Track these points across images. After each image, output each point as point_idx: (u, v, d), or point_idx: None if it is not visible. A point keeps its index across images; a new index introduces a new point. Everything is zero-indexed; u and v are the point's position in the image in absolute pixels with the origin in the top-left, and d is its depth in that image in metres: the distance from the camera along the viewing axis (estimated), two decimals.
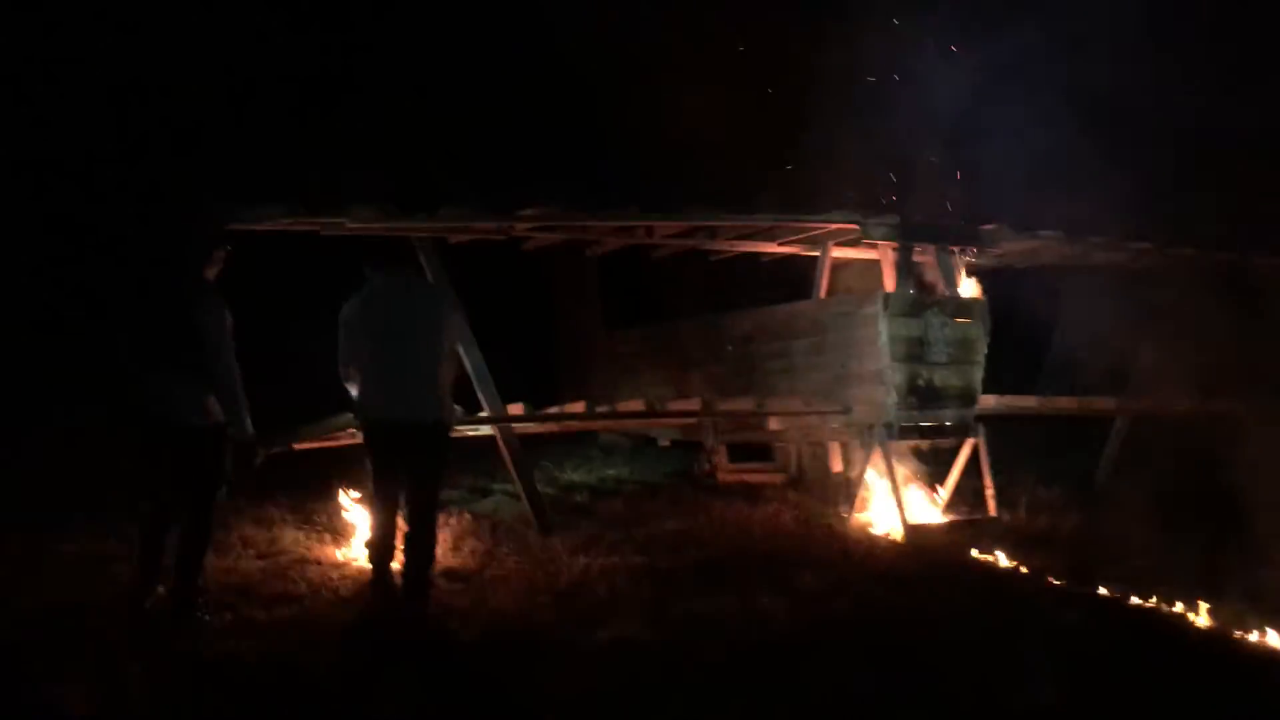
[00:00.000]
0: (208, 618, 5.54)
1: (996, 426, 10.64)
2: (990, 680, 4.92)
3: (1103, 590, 6.59)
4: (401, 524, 6.07)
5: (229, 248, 5.81)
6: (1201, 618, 6.12)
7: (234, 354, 5.61)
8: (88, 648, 4.93)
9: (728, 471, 9.80)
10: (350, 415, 6.48)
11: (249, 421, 5.66)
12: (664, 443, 10.67)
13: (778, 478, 9.72)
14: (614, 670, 5.03)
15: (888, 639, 5.50)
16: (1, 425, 8.45)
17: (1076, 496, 9.22)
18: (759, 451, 10.33)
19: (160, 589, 5.66)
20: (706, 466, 9.88)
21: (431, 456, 5.85)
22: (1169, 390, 10.21)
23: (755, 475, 9.73)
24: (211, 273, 5.79)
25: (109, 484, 7.27)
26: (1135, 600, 6.43)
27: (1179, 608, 6.27)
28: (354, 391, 5.95)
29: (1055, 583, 6.78)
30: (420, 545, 5.81)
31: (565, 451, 11.09)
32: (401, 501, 6.05)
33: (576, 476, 9.87)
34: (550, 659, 5.17)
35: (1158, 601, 6.37)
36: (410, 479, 5.85)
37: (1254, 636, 5.80)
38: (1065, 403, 9.69)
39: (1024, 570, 7.08)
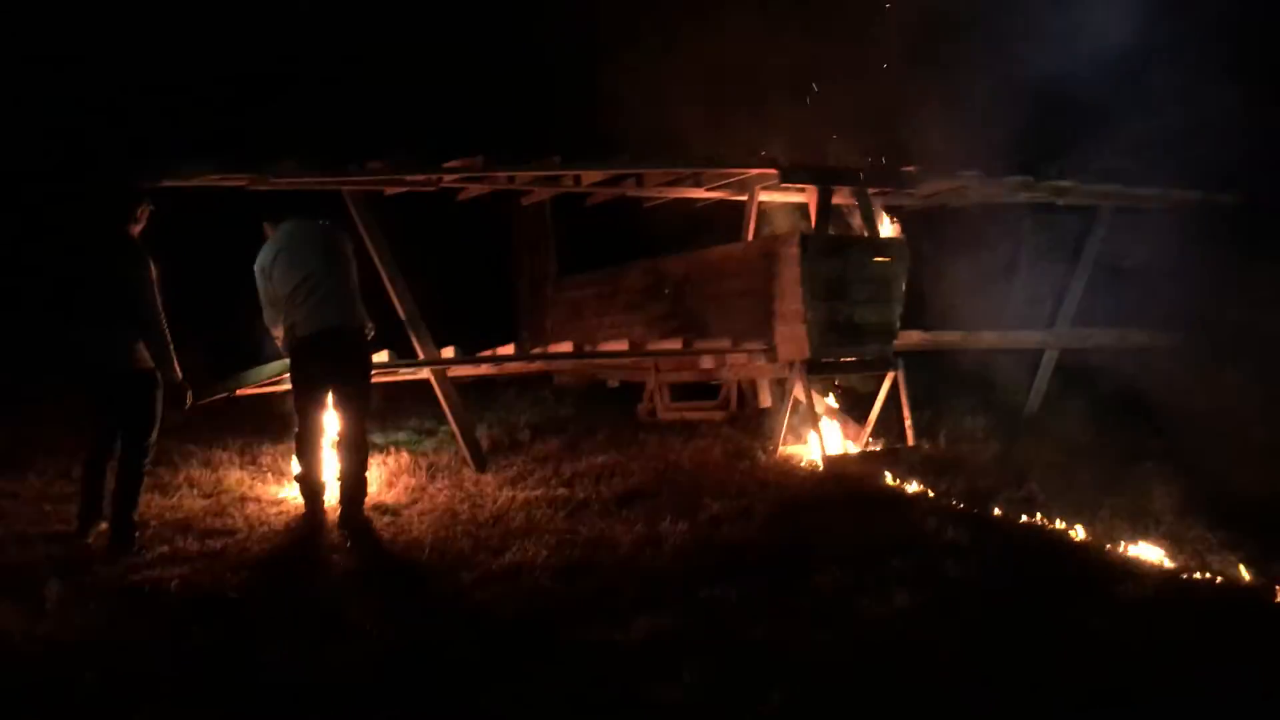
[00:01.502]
0: (142, 550, 5.97)
1: (940, 361, 11.10)
2: (853, 590, 5.31)
3: (996, 511, 6.96)
4: (333, 455, 6.64)
5: (150, 205, 6.21)
6: (1078, 533, 6.49)
7: (159, 304, 6.05)
8: (25, 576, 5.35)
9: (669, 410, 10.19)
10: (284, 361, 6.94)
11: (177, 366, 6.10)
12: (613, 384, 11.08)
13: (717, 415, 10.09)
14: (507, 589, 5.44)
15: (768, 556, 5.89)
16: None
17: (1002, 427, 9.57)
18: (708, 390, 10.72)
19: (103, 525, 6.14)
20: (648, 405, 10.25)
21: (356, 365, 6.62)
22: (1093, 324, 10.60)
23: (695, 413, 10.12)
24: (135, 229, 6.19)
25: (65, 429, 7.74)
26: (1023, 519, 6.79)
27: (1060, 525, 6.63)
28: (276, 332, 6.56)
29: (953, 505, 7.15)
30: (352, 466, 6.40)
31: (520, 394, 11.54)
32: (331, 433, 6.64)
33: (525, 417, 10.26)
34: (449, 580, 5.59)
35: (1041, 520, 6.73)
36: (338, 394, 6.59)
37: (1122, 548, 6.17)
38: (989, 336, 10.02)
39: (930, 494, 7.45)
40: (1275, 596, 5.40)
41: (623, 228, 11.63)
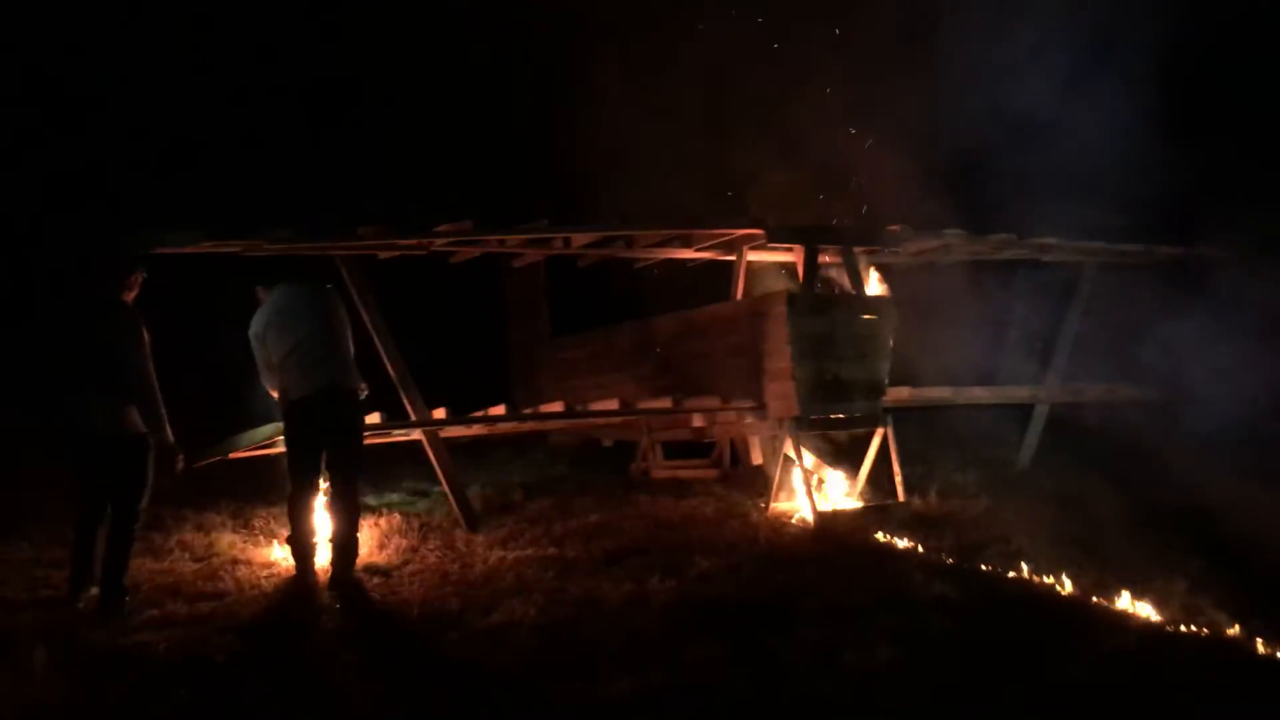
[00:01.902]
0: (132, 614, 5.99)
1: (931, 417, 11.17)
2: (835, 644, 5.33)
3: (984, 566, 6.99)
4: (324, 513, 6.72)
5: (143, 272, 6.33)
6: (1065, 587, 6.51)
7: (151, 369, 6.15)
8: (11, 643, 5.37)
9: (662, 468, 10.22)
10: (278, 424, 7.02)
11: (169, 430, 6.18)
12: (607, 443, 11.13)
13: (711, 473, 10.13)
14: (494, 648, 5.47)
15: (755, 612, 5.92)
16: None
17: (993, 482, 9.60)
18: (701, 449, 10.77)
19: (93, 590, 6.18)
20: (641, 464, 10.29)
21: (349, 426, 6.73)
22: (1086, 378, 10.67)
23: (688, 471, 10.16)
24: (129, 295, 6.31)
25: (58, 495, 7.78)
26: (1011, 574, 6.82)
27: (1048, 579, 6.66)
28: (274, 392, 6.65)
29: (942, 560, 7.17)
30: (343, 527, 6.47)
31: (514, 454, 11.59)
32: (323, 491, 6.73)
33: (518, 477, 10.30)
34: (436, 640, 5.62)
35: (1029, 574, 6.76)
36: (331, 455, 6.66)
37: (1111, 601, 6.20)
38: (979, 392, 10.08)
39: (919, 550, 7.48)
40: (1257, 649, 5.41)
41: (615, 288, 11.77)
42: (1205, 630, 5.66)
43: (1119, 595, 6.25)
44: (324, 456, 6.71)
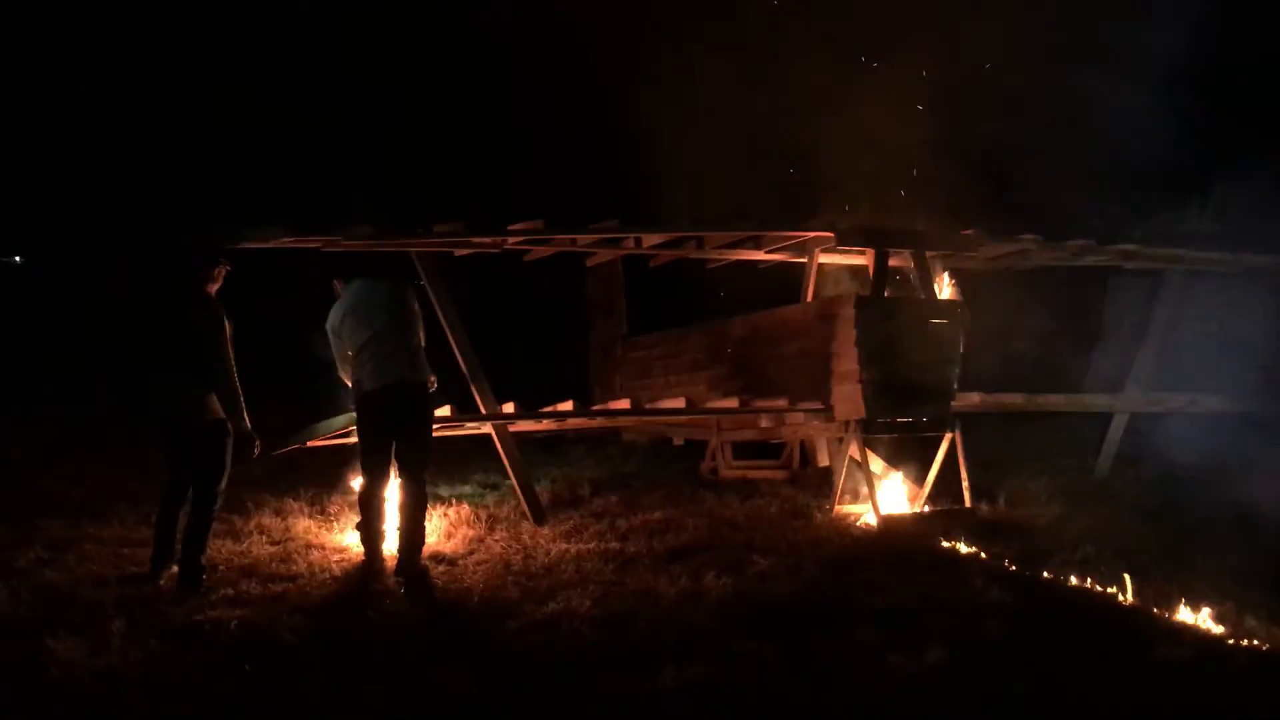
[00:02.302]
0: (208, 592, 6.27)
1: (1010, 424, 11.07)
2: (885, 646, 5.35)
3: (1045, 574, 6.92)
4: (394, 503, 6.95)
5: (226, 265, 6.62)
6: (1127, 597, 6.42)
7: (231, 358, 6.46)
8: (95, 614, 5.67)
9: (731, 468, 10.28)
10: (352, 414, 7.27)
11: (246, 417, 6.48)
12: (678, 442, 11.23)
13: (779, 474, 10.16)
14: (549, 637, 5.61)
15: (809, 612, 5.96)
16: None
17: (1066, 491, 9.46)
18: (772, 450, 10.81)
19: (174, 568, 6.49)
20: (710, 463, 10.37)
21: (418, 418, 6.95)
22: (1170, 387, 10.46)
23: (757, 471, 10.21)
24: (213, 288, 6.61)
25: (147, 477, 8.16)
26: (1072, 582, 6.74)
27: (1110, 589, 6.57)
28: (349, 381, 6.89)
29: (1004, 566, 7.12)
30: (411, 516, 6.69)
31: (588, 452, 11.76)
32: (393, 479, 6.95)
33: (588, 473, 10.45)
34: (494, 627, 5.78)
35: (1092, 583, 6.67)
36: (400, 446, 6.89)
37: (1172, 612, 6.10)
38: (1054, 399, 9.96)
39: (982, 556, 7.43)
40: None
41: (692, 289, 11.88)
42: (1265, 645, 5.54)
43: (1180, 607, 6.14)
44: (394, 447, 6.94)
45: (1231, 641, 5.64)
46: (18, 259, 14.05)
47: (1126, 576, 6.65)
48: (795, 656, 5.29)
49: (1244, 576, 6.86)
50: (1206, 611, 6.07)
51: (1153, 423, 10.52)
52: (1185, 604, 6.18)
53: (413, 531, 6.82)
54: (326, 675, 5.06)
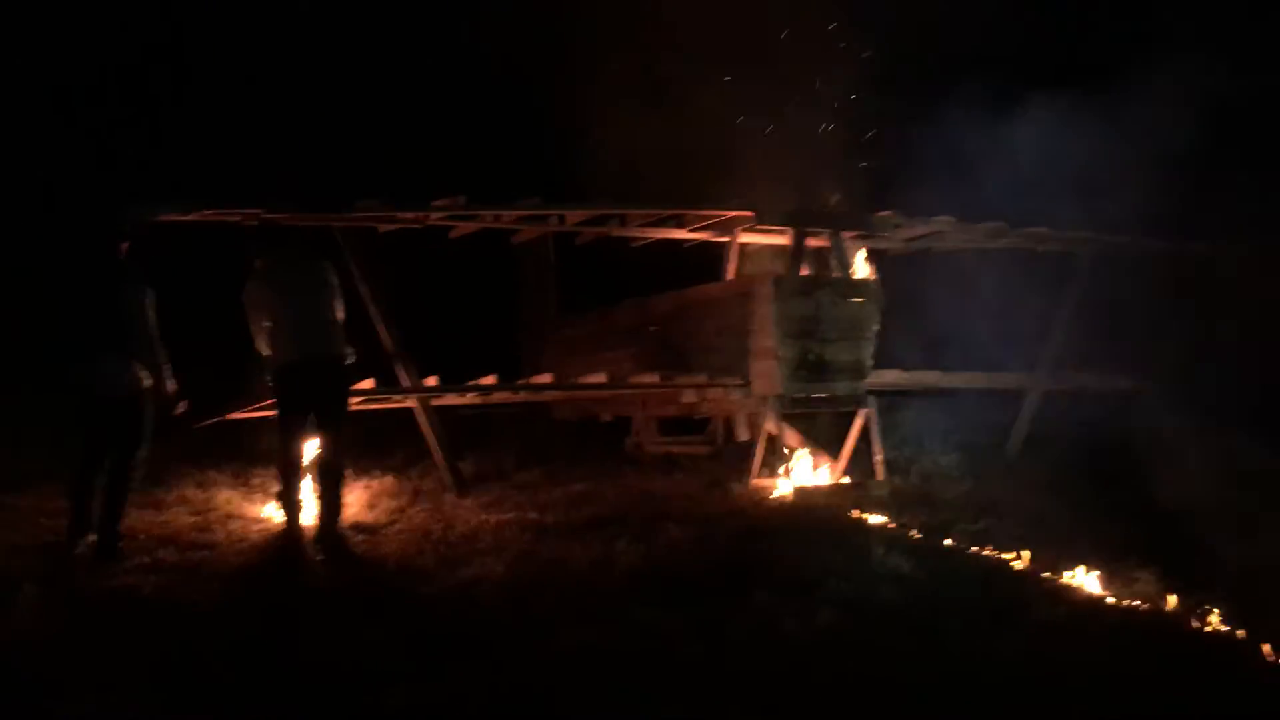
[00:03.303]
0: (125, 560, 6.35)
1: (927, 402, 11.33)
2: (781, 612, 5.56)
3: (947, 541, 7.19)
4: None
5: (133, 232, 6.72)
6: (1019, 562, 6.71)
7: (153, 321, 6.58)
8: (5, 581, 5.74)
9: (655, 443, 10.48)
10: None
11: (170, 379, 6.64)
12: (606, 419, 11.40)
13: (702, 449, 10.36)
14: (459, 603, 5.76)
15: (713, 579, 6.15)
16: None
17: (977, 466, 9.76)
18: (698, 425, 11.00)
19: (90, 537, 6.55)
20: (635, 439, 10.55)
21: (335, 387, 7.07)
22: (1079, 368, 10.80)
23: (680, 447, 10.41)
24: (125, 249, 6.68)
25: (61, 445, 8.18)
26: (970, 550, 7.02)
27: (1008, 555, 6.85)
28: (265, 351, 6.98)
29: (908, 535, 7.38)
30: (329, 485, 6.80)
31: (518, 431, 11.87)
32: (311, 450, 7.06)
33: (514, 448, 10.55)
34: (407, 593, 5.92)
35: (989, 550, 6.96)
36: (318, 415, 6.99)
37: (1058, 576, 6.40)
38: (969, 377, 10.24)
39: (889, 526, 7.68)
40: (1190, 623, 5.60)
41: (626, 269, 12.00)
42: (1143, 604, 5.84)
43: (1066, 572, 6.44)
44: (312, 418, 7.04)
45: (1111, 601, 5.93)
46: None
47: (1022, 544, 6.94)
48: (693, 622, 5.47)
49: (1138, 545, 7.17)
50: (1095, 575, 6.37)
51: (1065, 402, 10.84)
52: (1072, 568, 6.47)
53: (331, 500, 6.93)
54: (239, 640, 5.17)
